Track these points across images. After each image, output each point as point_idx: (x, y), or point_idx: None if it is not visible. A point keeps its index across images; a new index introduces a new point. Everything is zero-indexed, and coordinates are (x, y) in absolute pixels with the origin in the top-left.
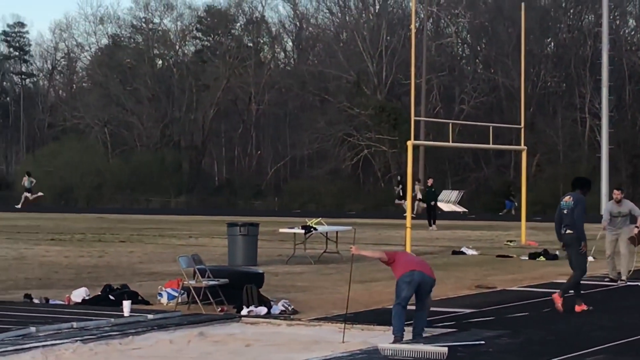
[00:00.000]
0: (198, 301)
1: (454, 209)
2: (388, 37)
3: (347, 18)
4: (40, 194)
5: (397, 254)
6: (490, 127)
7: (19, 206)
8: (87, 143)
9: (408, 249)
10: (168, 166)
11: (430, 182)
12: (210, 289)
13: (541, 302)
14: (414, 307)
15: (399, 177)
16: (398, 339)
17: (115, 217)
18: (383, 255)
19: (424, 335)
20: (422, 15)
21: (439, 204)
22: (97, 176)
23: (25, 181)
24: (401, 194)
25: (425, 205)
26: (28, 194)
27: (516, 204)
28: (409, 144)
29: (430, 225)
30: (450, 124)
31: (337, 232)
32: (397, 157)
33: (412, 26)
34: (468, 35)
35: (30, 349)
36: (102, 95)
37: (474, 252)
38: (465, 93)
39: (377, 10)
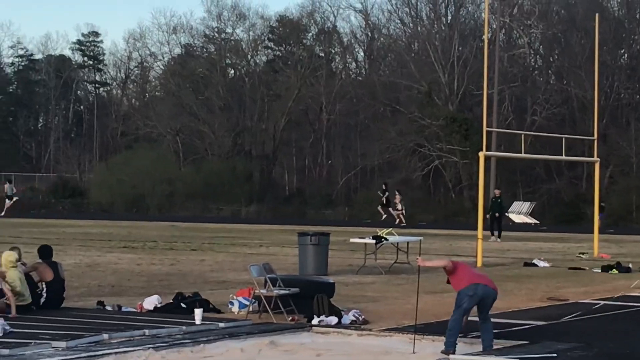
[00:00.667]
0: (269, 310)
1: (525, 221)
2: (460, 48)
3: (419, 28)
4: (15, 198)
5: (459, 264)
6: (563, 139)
7: (2, 213)
8: (159, 152)
9: (479, 261)
10: (239, 175)
11: (497, 192)
12: (281, 298)
13: (614, 315)
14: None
15: (383, 186)
16: (451, 352)
17: (187, 225)
18: (448, 263)
19: (495, 347)
20: (494, 26)
21: (511, 216)
22: (169, 184)
23: (7, 188)
24: (384, 202)
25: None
26: (9, 201)
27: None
28: (481, 154)
29: (493, 235)
30: (522, 135)
31: (407, 243)
32: (469, 167)
33: (485, 37)
34: (540, 46)
35: (102, 355)
36: (175, 104)
37: (546, 264)
38: (538, 104)
39: (449, 21)
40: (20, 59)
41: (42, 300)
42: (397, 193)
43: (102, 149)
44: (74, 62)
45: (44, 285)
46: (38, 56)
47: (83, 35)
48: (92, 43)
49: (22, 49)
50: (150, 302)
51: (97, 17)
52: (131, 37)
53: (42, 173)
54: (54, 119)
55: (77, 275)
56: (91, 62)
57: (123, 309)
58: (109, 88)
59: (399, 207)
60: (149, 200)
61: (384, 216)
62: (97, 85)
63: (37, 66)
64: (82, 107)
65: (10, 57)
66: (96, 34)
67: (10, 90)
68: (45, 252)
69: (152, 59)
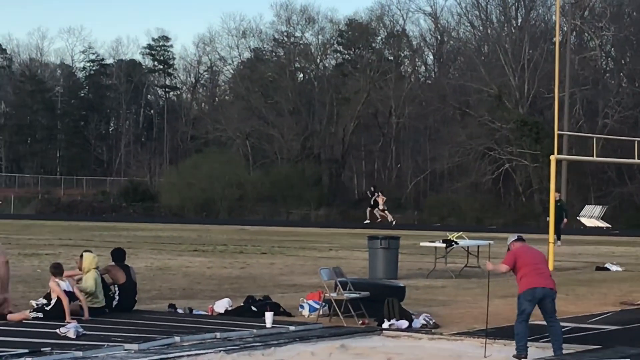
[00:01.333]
0: (339, 313)
1: (597, 225)
2: (530, 51)
3: (489, 31)
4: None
5: (520, 264)
6: (635, 142)
7: None
8: (228, 155)
9: (551, 265)
10: (308, 179)
11: (557, 196)
12: (351, 302)
13: None
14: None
15: (372, 188)
16: (523, 356)
17: (256, 228)
18: (507, 268)
19: (567, 351)
20: (565, 29)
21: (582, 219)
22: (238, 188)
23: None
24: (372, 203)
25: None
26: None
27: None
28: (552, 158)
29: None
30: (594, 139)
31: (478, 247)
32: (539, 171)
33: (556, 39)
34: (612, 49)
35: (174, 358)
36: (244, 108)
37: (618, 269)
38: (609, 107)
39: (519, 24)
40: (91, 64)
41: (115, 302)
42: (379, 194)
43: (172, 153)
44: (144, 67)
45: (117, 288)
46: (109, 61)
47: (153, 39)
48: (163, 47)
49: (93, 53)
50: (221, 305)
51: (167, 22)
52: (201, 41)
53: (113, 177)
54: (125, 123)
55: (148, 278)
56: (161, 67)
57: (194, 311)
58: (179, 92)
59: (381, 207)
60: (218, 204)
61: (378, 219)
62: (167, 89)
63: (108, 71)
64: (152, 111)
65: (81, 61)
66: (166, 38)
67: (82, 94)
68: (118, 255)
69: (222, 63)
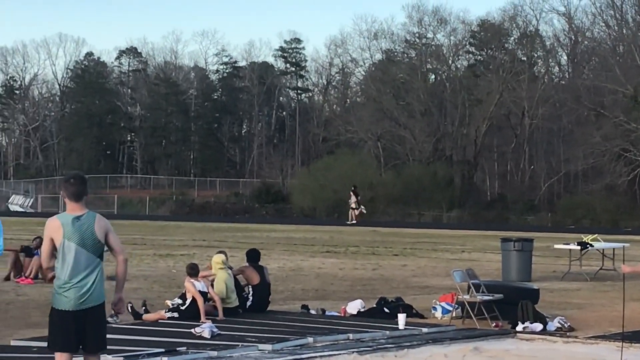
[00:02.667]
0: (472, 316)
1: None
2: None
3: (625, 31)
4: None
5: None
6: None
7: None
8: (360, 157)
9: None
10: (440, 180)
11: None
12: (484, 304)
13: None
14: None
15: (352, 187)
16: None
17: (388, 230)
18: None
19: None
20: None
21: None
22: (370, 190)
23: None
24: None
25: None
26: None
27: None
28: None
29: None
30: None
31: (613, 249)
32: None
33: None
34: None
35: (307, 359)
36: (376, 109)
37: None
38: None
39: None
40: (224, 66)
41: (249, 303)
42: (351, 193)
43: (304, 155)
44: (276, 69)
45: (250, 289)
46: (242, 63)
47: (285, 42)
48: (295, 50)
49: (226, 56)
50: (354, 307)
51: (299, 24)
52: (332, 43)
53: (246, 178)
54: (257, 125)
55: (281, 279)
56: (293, 69)
57: (327, 312)
58: (310, 94)
59: (354, 205)
60: (350, 205)
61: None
62: (299, 91)
63: (241, 73)
64: (284, 113)
65: (215, 64)
66: (298, 40)
67: (215, 97)
68: (253, 256)
69: (353, 65)
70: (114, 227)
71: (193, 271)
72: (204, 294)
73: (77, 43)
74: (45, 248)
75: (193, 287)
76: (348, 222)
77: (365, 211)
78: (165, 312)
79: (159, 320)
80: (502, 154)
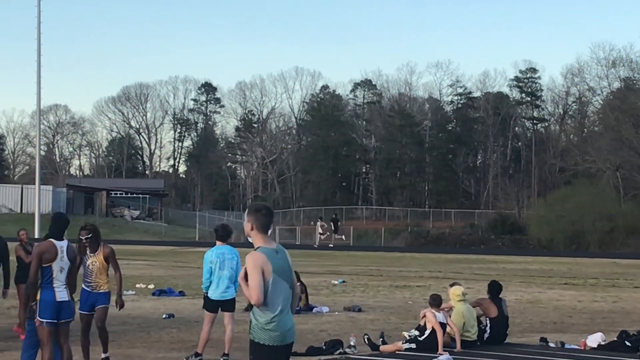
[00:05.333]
0: None
1: None
2: None
3: None
4: None
5: None
6: None
7: None
8: (598, 187)
9: None
10: None
11: None
12: None
13: None
14: None
15: (333, 215)
16: None
17: (629, 262)
18: None
19: None
20: None
21: None
22: (609, 220)
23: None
24: (333, 228)
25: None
26: None
27: None
28: None
29: None
30: None
31: None
32: None
33: None
34: None
35: None
36: (614, 138)
37: None
38: None
39: None
40: (459, 97)
41: (486, 335)
42: (320, 220)
43: (540, 185)
44: (511, 99)
45: (488, 321)
46: (476, 94)
47: (521, 71)
48: (530, 79)
49: (460, 87)
50: (594, 340)
51: (534, 54)
52: (569, 72)
53: (482, 209)
54: (492, 155)
55: (518, 311)
56: (529, 99)
57: (566, 346)
58: (546, 124)
59: (320, 230)
60: (588, 237)
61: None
62: (534, 121)
63: (475, 104)
64: (519, 143)
65: (449, 95)
66: (534, 70)
67: (450, 128)
68: (494, 288)
69: (591, 94)
70: (350, 259)
71: (435, 302)
72: (443, 326)
73: (313, 76)
74: (257, 281)
75: (434, 317)
76: (315, 245)
77: (344, 238)
78: (403, 344)
79: (396, 352)
80: None
